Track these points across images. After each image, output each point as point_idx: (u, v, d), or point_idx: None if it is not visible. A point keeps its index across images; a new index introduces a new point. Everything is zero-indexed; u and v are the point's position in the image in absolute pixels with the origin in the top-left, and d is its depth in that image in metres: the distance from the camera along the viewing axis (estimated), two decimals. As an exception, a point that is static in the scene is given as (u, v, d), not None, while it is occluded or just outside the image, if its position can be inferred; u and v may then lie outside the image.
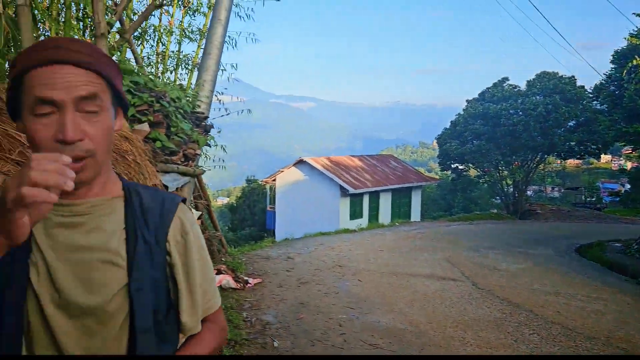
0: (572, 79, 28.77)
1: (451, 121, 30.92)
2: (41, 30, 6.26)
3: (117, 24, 5.19)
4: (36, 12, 5.19)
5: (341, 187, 24.47)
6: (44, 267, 1.03)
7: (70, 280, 1.04)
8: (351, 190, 24.15)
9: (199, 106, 5.56)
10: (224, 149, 10.41)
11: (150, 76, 5.19)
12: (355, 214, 25.44)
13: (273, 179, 28.39)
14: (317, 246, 11.98)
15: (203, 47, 6.21)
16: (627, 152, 33.81)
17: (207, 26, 7.22)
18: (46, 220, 1.05)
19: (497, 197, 34.64)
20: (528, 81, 29.71)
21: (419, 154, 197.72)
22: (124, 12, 5.41)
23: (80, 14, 5.73)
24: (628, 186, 52.39)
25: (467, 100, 31.18)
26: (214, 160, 10.57)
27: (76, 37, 5.95)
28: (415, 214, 29.41)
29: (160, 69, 10.40)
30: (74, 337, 1.04)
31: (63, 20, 6.14)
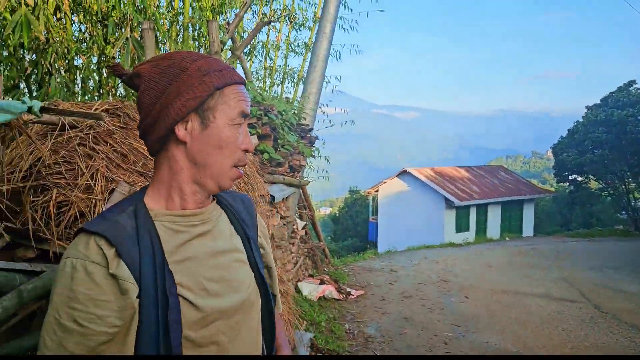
0: None
1: (569, 129, 28.75)
2: (162, 50, 6.82)
3: (229, 42, 5.48)
4: (158, 34, 5.65)
5: (446, 199, 23.74)
6: (194, 280, 1.05)
7: (219, 285, 1.09)
8: (457, 202, 23.32)
9: (304, 118, 5.69)
10: (327, 160, 10.55)
11: (258, 90, 5.40)
12: (461, 227, 24.52)
13: (375, 189, 28.29)
14: (420, 259, 11.69)
15: (308, 60, 6.38)
16: None
17: (313, 40, 7.40)
18: (181, 234, 1.07)
19: (623, 212, 31.49)
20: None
21: (532, 164, 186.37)
22: (235, 30, 5.69)
23: (196, 34, 6.14)
24: None
25: (587, 107, 28.84)
26: (317, 171, 10.76)
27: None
28: (527, 228, 27.68)
29: (268, 82, 10.85)
30: (231, 335, 1.10)
31: (181, 40, 6.64)
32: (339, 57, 11.61)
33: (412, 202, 25.42)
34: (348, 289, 7.27)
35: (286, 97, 7.08)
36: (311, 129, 5.38)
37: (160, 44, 6.71)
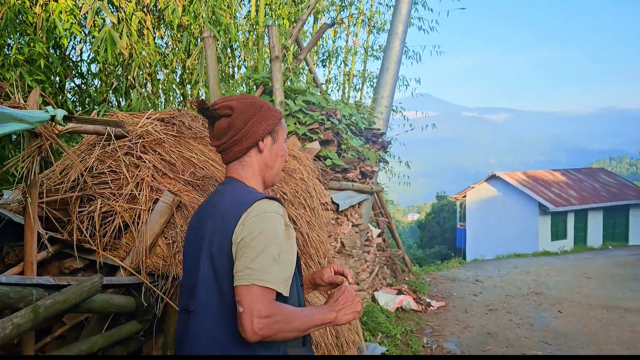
0: None
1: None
2: (237, 57, 6.93)
3: (296, 46, 5.42)
4: (220, 43, 5.70)
5: (540, 205, 22.23)
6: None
7: None
8: (552, 208, 21.76)
9: (374, 122, 5.48)
10: (407, 165, 10.22)
11: (323, 95, 5.29)
12: (557, 234, 22.84)
13: (463, 195, 27.18)
14: (510, 269, 10.96)
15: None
16: None
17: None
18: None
19: None
20: None
21: (639, 165, 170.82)
22: (300, 35, 5.63)
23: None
24: None
25: None
26: (398, 177, 10.44)
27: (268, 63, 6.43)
28: (635, 236, 25.19)
29: (347, 88, 10.74)
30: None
31: (256, 48, 6.70)
32: (420, 59, 11.26)
33: (503, 208, 24.11)
34: (428, 300, 6.93)
35: (356, 101, 6.92)
36: (383, 133, 5.16)
37: (236, 51, 6.83)
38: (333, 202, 4.18)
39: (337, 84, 11.27)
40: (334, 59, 10.60)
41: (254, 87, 5.44)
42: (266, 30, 5.24)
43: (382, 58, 5.88)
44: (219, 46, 5.72)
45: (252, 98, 1.63)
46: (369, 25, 10.80)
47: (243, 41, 6.96)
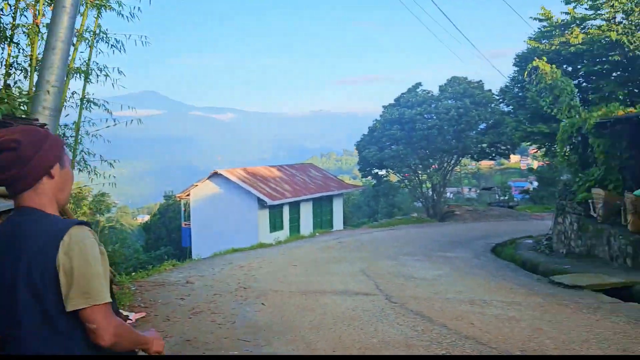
0: (480, 83, 29.79)
1: (369, 127, 30.94)
2: None
3: None
4: None
5: (259, 199, 23.58)
6: None
7: None
8: (269, 202, 23.31)
9: (30, 113, 4.52)
10: (111, 165, 9.35)
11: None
12: (275, 226, 24.61)
13: (187, 193, 26.93)
14: (224, 265, 11.03)
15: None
16: (533, 151, 35.39)
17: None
18: None
19: (418, 201, 35.11)
20: (440, 86, 30.38)
21: (344, 161, 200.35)
22: None
23: None
24: (536, 184, 55.66)
25: (383, 106, 31.36)
26: (104, 177, 9.43)
27: None
28: (338, 222, 29.06)
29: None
30: None
31: None
32: (123, 48, 10.28)
33: (225, 205, 24.73)
34: (126, 313, 6.23)
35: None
36: (44, 125, 4.28)
37: None
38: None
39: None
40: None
41: None
42: None
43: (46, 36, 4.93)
44: None
45: (34, 129, 1.73)
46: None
47: None
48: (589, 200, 11.86)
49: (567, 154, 13.80)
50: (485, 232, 20.57)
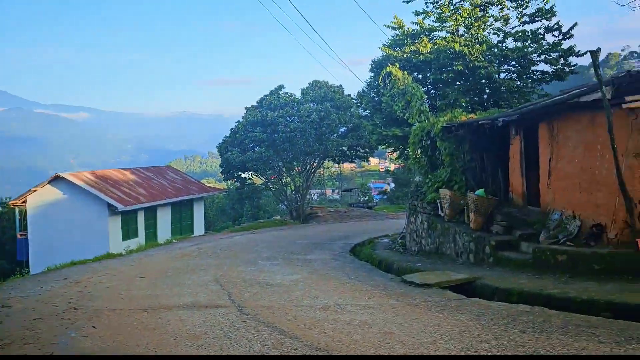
0: (340, 88, 30.67)
1: (231, 129, 30.18)
2: None
3: None
4: None
5: (109, 205, 21.57)
6: None
7: None
8: (121, 208, 21.44)
9: None
10: None
11: None
12: (128, 233, 22.72)
13: (23, 200, 23.76)
14: (57, 282, 9.61)
15: None
16: (390, 154, 37.44)
17: None
18: None
19: (283, 204, 35.14)
20: (302, 89, 30.68)
21: (209, 164, 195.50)
22: None
23: None
24: (393, 185, 59.30)
25: (246, 108, 30.83)
26: None
27: None
28: (199, 227, 27.84)
29: None
30: None
31: None
32: None
33: (70, 212, 22.24)
34: None
35: None
36: None
37: None
38: None
39: None
40: None
41: None
42: None
43: None
44: None
45: None
46: None
47: None
48: (437, 200, 12.51)
49: (418, 156, 14.49)
50: (346, 233, 21.05)
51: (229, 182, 34.60)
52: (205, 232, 26.90)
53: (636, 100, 7.05)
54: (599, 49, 6.85)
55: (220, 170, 31.81)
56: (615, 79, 7.01)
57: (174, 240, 19.04)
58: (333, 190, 74.58)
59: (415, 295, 7.40)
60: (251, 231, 22.92)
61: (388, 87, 14.61)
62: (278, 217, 29.33)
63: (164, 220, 24.92)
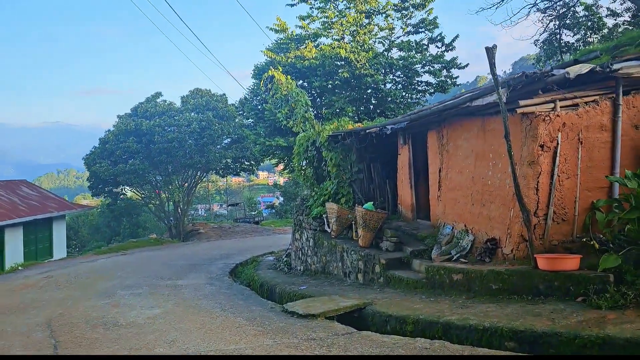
0: (224, 97, 29.05)
1: (100, 139, 27.13)
2: None
3: None
4: None
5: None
6: None
7: None
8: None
9: None
10: None
11: None
12: (-35, 260, 19.03)
13: None
14: None
15: None
16: (279, 169, 36.44)
17: None
18: None
19: (163, 221, 32.38)
20: (182, 97, 28.60)
21: (85, 178, 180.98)
22: None
23: None
24: (282, 199, 58.47)
25: (118, 116, 27.99)
26: None
27: None
28: (60, 249, 24.40)
29: None
30: None
31: None
32: None
33: None
34: None
35: None
36: None
37: None
38: None
39: None
40: None
41: None
42: None
43: None
44: None
45: None
46: None
47: None
48: (324, 215, 11.48)
49: (303, 168, 13.43)
50: (229, 251, 19.45)
51: (98, 197, 31.23)
52: (67, 255, 23.62)
53: (530, 105, 6.49)
54: (494, 46, 6.20)
55: (89, 184, 28.49)
56: (511, 79, 6.40)
57: (19, 268, 16.06)
58: (221, 205, 72.02)
59: (297, 332, 6.14)
60: (121, 252, 20.35)
61: (271, 93, 13.43)
62: (154, 236, 26.71)
63: (15, 243, 21.29)
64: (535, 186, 6.64)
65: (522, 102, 6.45)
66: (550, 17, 17.22)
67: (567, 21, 17.42)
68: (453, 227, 8.61)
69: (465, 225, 8.19)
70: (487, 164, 7.64)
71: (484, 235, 7.60)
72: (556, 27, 17.43)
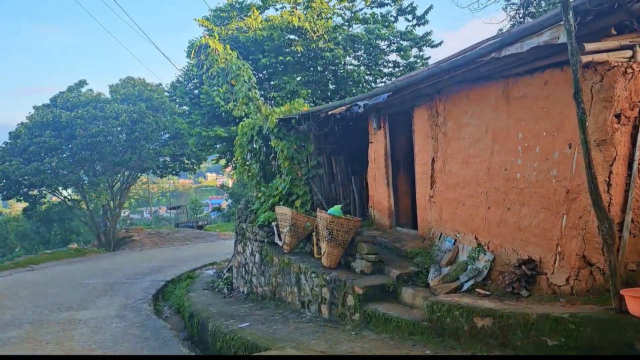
0: (160, 87, 25.68)
1: (10, 132, 23.15)
2: None
3: None
4: None
5: None
6: None
7: None
8: None
9: None
10: None
11: None
12: None
13: None
14: None
15: None
16: (228, 170, 33.16)
17: None
18: None
19: (90, 227, 28.50)
20: (110, 86, 25.07)
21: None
22: None
23: None
24: (230, 201, 55.00)
25: (34, 107, 24.09)
26: None
27: None
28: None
29: None
30: None
31: None
32: None
33: None
34: None
35: None
36: None
37: None
38: None
39: None
40: None
41: None
42: None
43: None
44: None
45: None
46: None
47: None
48: (273, 223, 8.73)
49: (247, 162, 10.66)
50: (162, 262, 16.43)
51: (8, 201, 27.10)
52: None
53: (603, 50, 4.03)
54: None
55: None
56: (580, 2, 3.89)
57: None
58: (168, 209, 67.63)
59: None
60: (28, 267, 16.83)
61: (205, 68, 10.57)
62: (75, 246, 22.98)
63: None
64: (607, 179, 4.21)
65: (588, 47, 3.95)
66: (515, 6, 15.83)
67: (532, 9, 16.06)
68: (456, 241, 6.10)
69: (476, 238, 5.69)
70: (514, 148, 5.15)
71: (512, 254, 5.12)
72: (520, 16, 16.07)
